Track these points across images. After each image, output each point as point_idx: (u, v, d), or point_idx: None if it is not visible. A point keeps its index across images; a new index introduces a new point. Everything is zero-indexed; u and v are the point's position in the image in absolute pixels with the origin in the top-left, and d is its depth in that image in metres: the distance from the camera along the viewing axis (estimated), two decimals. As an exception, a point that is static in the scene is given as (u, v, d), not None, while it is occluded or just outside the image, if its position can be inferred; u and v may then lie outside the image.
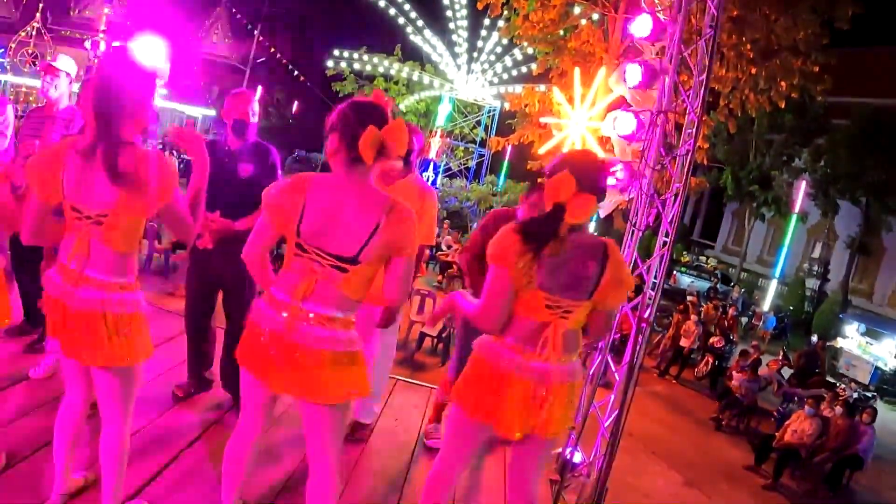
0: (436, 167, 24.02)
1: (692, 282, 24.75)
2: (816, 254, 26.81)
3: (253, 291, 3.39)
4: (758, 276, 28.19)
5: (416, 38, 23.48)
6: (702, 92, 3.97)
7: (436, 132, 23.42)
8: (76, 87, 4.13)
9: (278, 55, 30.02)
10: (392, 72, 23.86)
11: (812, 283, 24.42)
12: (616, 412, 3.91)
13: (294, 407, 3.12)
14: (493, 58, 23.78)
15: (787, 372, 12.51)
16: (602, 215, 4.49)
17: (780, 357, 12.73)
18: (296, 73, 30.34)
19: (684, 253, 30.84)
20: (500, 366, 2.21)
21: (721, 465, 8.51)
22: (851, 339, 18.15)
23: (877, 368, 15.87)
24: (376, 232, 2.02)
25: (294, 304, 2.03)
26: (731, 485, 7.89)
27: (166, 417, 3.45)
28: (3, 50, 26.77)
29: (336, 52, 23.72)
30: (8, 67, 25.53)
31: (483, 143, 25.69)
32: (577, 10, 10.75)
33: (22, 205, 2.23)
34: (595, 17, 10.60)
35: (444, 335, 8.70)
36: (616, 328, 4.37)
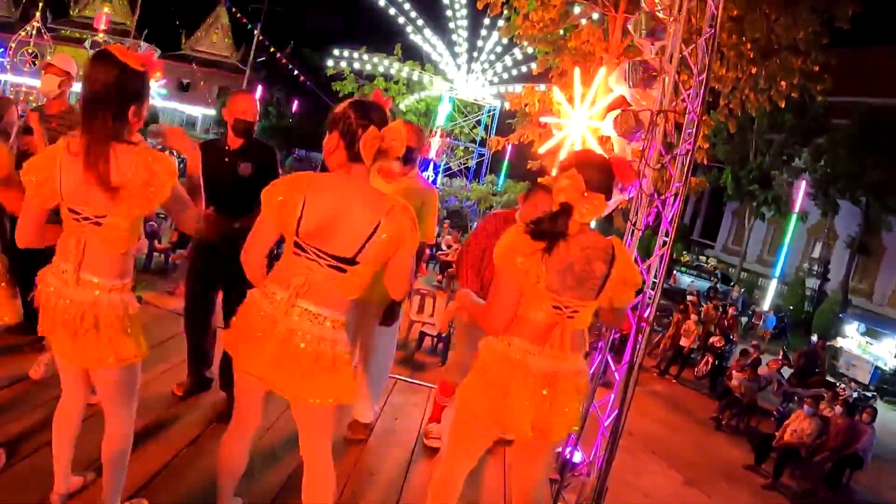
0: (436, 167, 24.03)
1: (692, 281, 24.76)
2: (816, 253, 26.81)
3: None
4: (758, 275, 28.19)
5: (416, 38, 23.49)
6: (702, 91, 3.97)
7: (436, 132, 23.42)
8: (76, 86, 4.12)
9: (278, 55, 30.00)
10: (392, 71, 23.87)
11: (812, 283, 24.43)
12: (616, 411, 3.90)
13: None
14: (493, 57, 23.81)
15: (786, 371, 12.53)
16: (603, 214, 4.48)
17: (780, 357, 12.75)
18: (296, 72, 30.34)
19: (684, 252, 30.84)
20: (506, 367, 2.19)
21: (721, 465, 8.51)
22: (851, 338, 18.16)
23: (877, 368, 15.88)
24: (375, 233, 2.01)
25: (288, 298, 2.03)
26: (730, 484, 7.89)
27: (166, 416, 3.45)
28: (2, 49, 26.77)
29: (336, 52, 23.73)
30: (8, 67, 25.53)
31: (483, 143, 25.70)
32: (577, 9, 10.73)
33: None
34: (595, 16, 10.57)
35: (443, 334, 8.70)
36: (616, 328, 4.37)
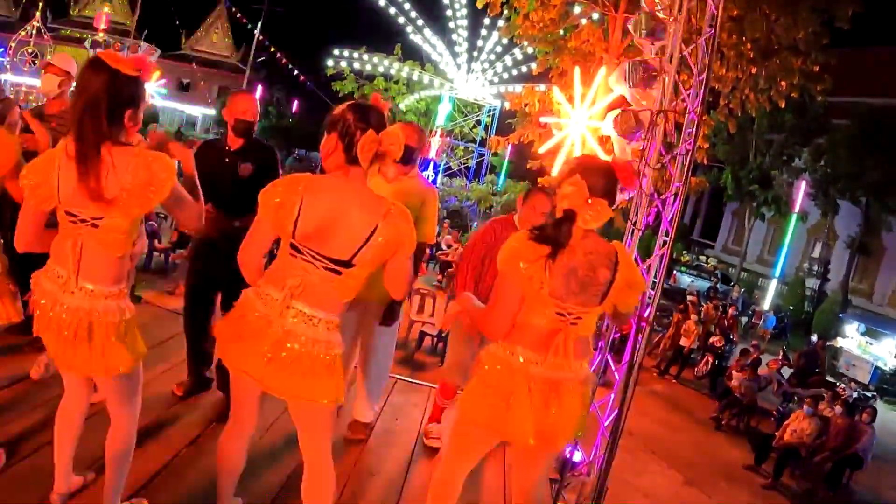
0: (436, 166, 24.03)
1: (692, 281, 24.76)
2: (816, 253, 26.79)
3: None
4: (758, 275, 28.19)
5: (416, 38, 23.48)
6: (702, 91, 3.97)
7: (436, 131, 23.42)
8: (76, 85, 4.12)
9: (278, 55, 30.00)
10: (392, 71, 23.84)
11: (812, 283, 24.42)
12: (616, 411, 3.90)
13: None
14: (493, 57, 23.80)
15: (786, 371, 12.53)
16: (606, 220, 4.47)
17: (780, 357, 12.75)
18: (296, 72, 30.33)
19: (684, 252, 30.83)
20: (508, 375, 2.18)
21: (721, 465, 8.51)
22: (851, 338, 18.17)
23: (876, 368, 15.88)
24: (372, 236, 2.01)
25: (283, 299, 2.03)
26: (730, 484, 7.89)
27: (166, 416, 3.45)
28: (2, 49, 26.77)
29: (336, 52, 23.72)
30: (8, 66, 25.53)
31: (483, 143, 25.69)
32: (577, 9, 10.73)
33: None
34: (595, 16, 10.58)
35: (444, 334, 8.69)
36: (616, 328, 4.37)
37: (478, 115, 26.00)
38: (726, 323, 13.64)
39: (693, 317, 12.50)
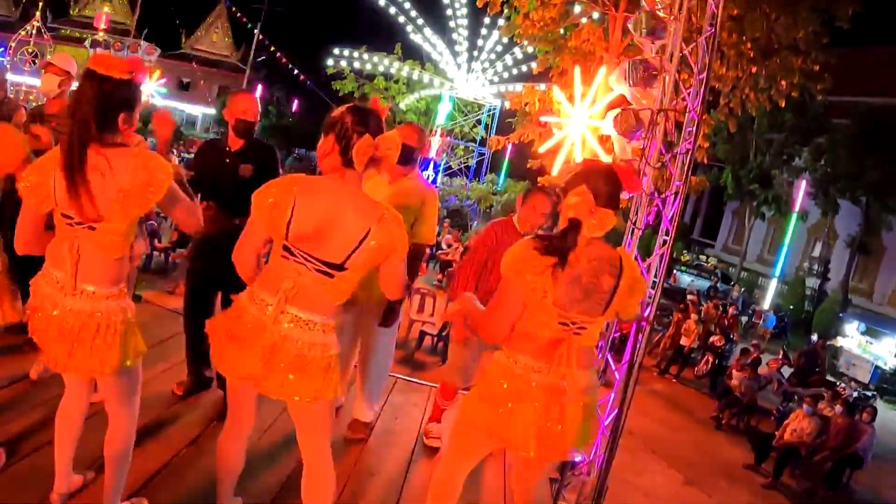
0: (436, 166, 24.04)
1: (692, 281, 24.74)
2: (816, 253, 26.79)
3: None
4: (758, 274, 28.17)
5: (416, 37, 23.47)
6: (702, 90, 3.97)
7: (436, 131, 23.43)
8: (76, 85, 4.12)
9: (278, 54, 30.00)
10: (392, 70, 23.85)
11: (812, 282, 24.42)
12: (616, 411, 3.90)
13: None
14: (493, 56, 23.79)
15: (787, 371, 12.52)
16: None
17: (781, 356, 12.75)
18: (296, 71, 30.33)
19: (684, 252, 30.80)
20: (512, 383, 2.17)
21: (721, 464, 8.51)
22: (851, 338, 18.16)
23: (877, 367, 15.87)
24: (365, 240, 2.01)
25: (277, 304, 2.02)
26: (731, 483, 7.89)
27: (166, 416, 3.45)
28: (3, 49, 26.77)
29: (336, 51, 23.73)
30: (8, 66, 25.52)
31: (483, 142, 25.68)
32: (577, 8, 10.74)
33: None
34: (595, 15, 10.58)
35: (444, 333, 8.70)
36: (616, 327, 4.37)
37: (478, 115, 26.00)
38: (726, 322, 13.64)
39: (693, 316, 12.50)
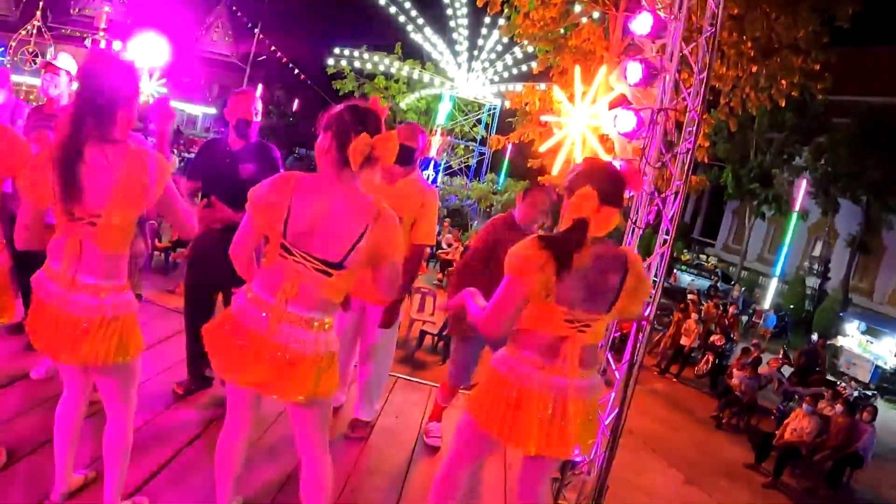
0: (436, 165, 24.03)
1: (693, 280, 24.73)
2: (817, 252, 26.78)
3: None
4: (758, 274, 28.17)
5: (416, 37, 23.46)
6: (702, 90, 3.97)
7: (436, 130, 23.42)
8: (76, 85, 4.12)
9: (278, 54, 29.99)
10: (392, 70, 23.83)
11: (812, 282, 24.41)
12: (616, 410, 3.91)
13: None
14: (493, 56, 23.76)
15: (787, 370, 12.51)
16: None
17: (781, 355, 12.74)
18: (296, 71, 30.32)
19: (685, 251, 30.81)
20: (518, 381, 2.17)
21: (721, 464, 8.52)
22: (852, 337, 18.16)
23: (877, 367, 15.86)
24: (362, 238, 2.01)
25: (277, 305, 2.03)
26: (731, 483, 7.90)
27: (166, 415, 3.45)
28: (3, 48, 26.78)
29: (336, 51, 23.72)
30: (8, 66, 25.51)
31: (483, 142, 25.67)
32: (577, 7, 10.75)
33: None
34: (596, 14, 10.59)
35: (444, 333, 8.70)
36: (616, 326, 4.38)
37: (478, 114, 25.98)
38: (727, 322, 13.63)
39: (693, 315, 12.50)
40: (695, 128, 3.95)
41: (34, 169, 2.08)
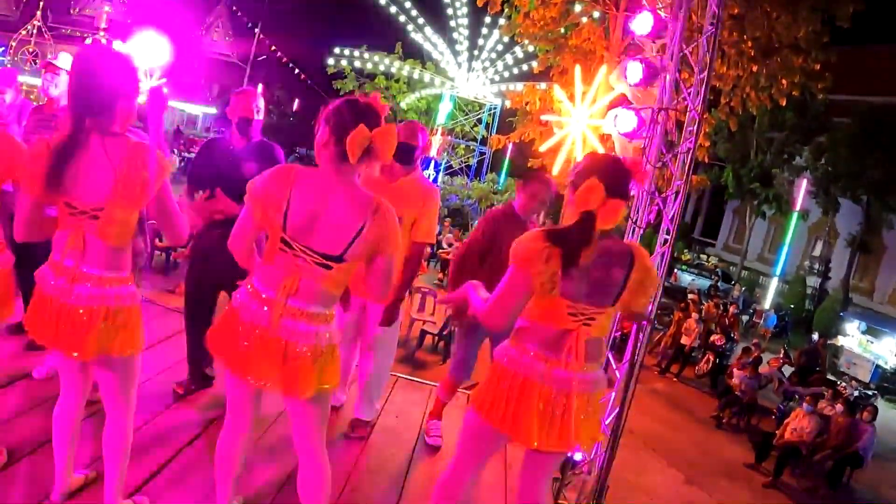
0: (437, 165, 24.01)
1: (693, 280, 24.72)
2: (817, 252, 26.77)
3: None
4: (759, 273, 28.17)
5: (416, 36, 23.46)
6: (703, 89, 3.96)
7: (437, 130, 23.41)
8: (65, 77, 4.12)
9: (279, 53, 29.99)
10: (393, 70, 23.84)
11: (813, 281, 24.40)
12: (617, 410, 3.90)
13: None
14: (493, 56, 23.75)
15: (787, 370, 12.52)
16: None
17: (781, 355, 12.74)
18: (296, 71, 30.32)
19: (685, 251, 30.79)
20: (521, 373, 2.16)
21: (721, 463, 8.52)
22: (852, 337, 18.15)
23: (877, 367, 15.86)
24: (361, 232, 2.02)
25: (278, 300, 2.03)
26: (731, 482, 7.90)
27: (167, 415, 3.45)
28: (3, 48, 26.78)
29: (337, 50, 23.72)
30: (8, 65, 25.50)
31: (484, 141, 25.66)
32: (577, 7, 10.74)
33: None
34: (596, 14, 10.59)
35: (444, 332, 8.70)
36: (617, 326, 4.37)
37: (479, 114, 25.96)
38: (727, 321, 13.63)
39: (694, 315, 12.50)
40: (695, 127, 3.95)
41: (31, 157, 2.08)
